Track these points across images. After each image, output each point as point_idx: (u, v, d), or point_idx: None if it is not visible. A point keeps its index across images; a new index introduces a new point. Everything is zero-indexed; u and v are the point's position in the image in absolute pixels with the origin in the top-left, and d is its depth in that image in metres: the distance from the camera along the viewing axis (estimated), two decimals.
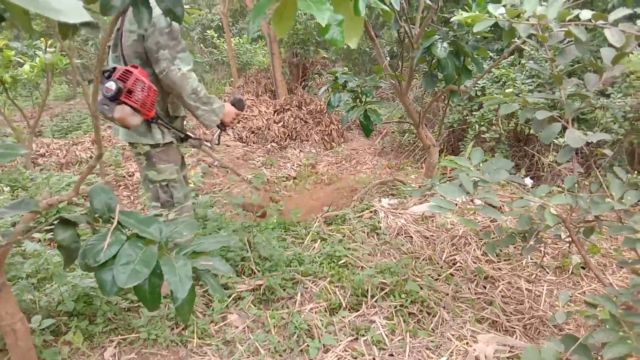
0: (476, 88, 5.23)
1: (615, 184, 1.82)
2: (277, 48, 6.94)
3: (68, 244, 1.66)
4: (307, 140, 6.28)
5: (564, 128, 2.00)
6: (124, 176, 4.96)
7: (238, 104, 2.57)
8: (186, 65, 2.28)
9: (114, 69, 2.20)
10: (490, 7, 1.92)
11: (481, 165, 1.88)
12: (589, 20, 1.78)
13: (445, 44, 2.78)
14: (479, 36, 3.04)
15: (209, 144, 2.64)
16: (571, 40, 1.95)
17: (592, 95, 2.07)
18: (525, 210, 1.98)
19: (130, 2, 1.54)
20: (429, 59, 3.08)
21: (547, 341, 1.55)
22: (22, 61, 4.40)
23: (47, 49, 4.26)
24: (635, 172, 4.00)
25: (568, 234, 2.00)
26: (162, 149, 2.41)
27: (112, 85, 2.13)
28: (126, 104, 2.17)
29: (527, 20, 1.91)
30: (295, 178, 5.52)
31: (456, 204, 1.78)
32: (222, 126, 2.50)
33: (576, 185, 1.96)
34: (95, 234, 1.63)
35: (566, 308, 2.24)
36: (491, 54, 5.49)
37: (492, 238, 2.29)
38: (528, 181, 3.96)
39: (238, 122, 6.19)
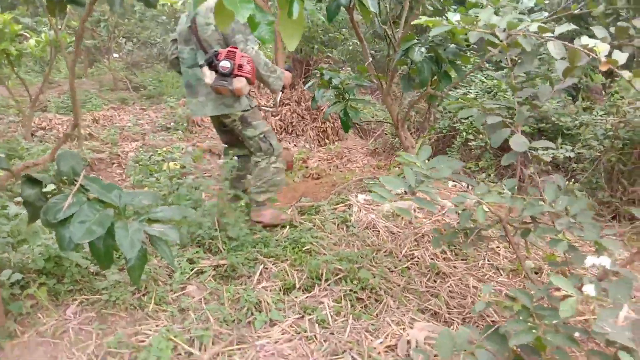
0: (468, 96, 5.32)
1: (550, 188, 1.94)
2: (282, 43, 7.07)
3: (33, 200, 1.80)
4: (302, 136, 6.41)
5: (514, 133, 2.12)
6: (119, 155, 5.13)
7: (290, 70, 3.23)
8: (256, 45, 2.75)
9: (217, 52, 2.62)
10: (450, 15, 2.03)
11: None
12: (536, 32, 1.89)
13: (422, 49, 2.89)
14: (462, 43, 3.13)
15: (266, 108, 3.41)
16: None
17: (543, 105, 2.19)
18: (466, 207, 2.10)
19: None
20: (410, 63, 3.19)
21: (462, 327, 1.67)
22: (28, 36, 4.58)
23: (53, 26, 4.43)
24: (611, 190, 4.09)
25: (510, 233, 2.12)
26: (252, 110, 2.96)
27: (227, 63, 2.58)
28: (240, 76, 2.63)
29: (490, 29, 2.02)
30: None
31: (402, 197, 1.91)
32: (283, 89, 3.08)
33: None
34: (59, 194, 1.79)
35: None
36: (487, 64, 5.57)
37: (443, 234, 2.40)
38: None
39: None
